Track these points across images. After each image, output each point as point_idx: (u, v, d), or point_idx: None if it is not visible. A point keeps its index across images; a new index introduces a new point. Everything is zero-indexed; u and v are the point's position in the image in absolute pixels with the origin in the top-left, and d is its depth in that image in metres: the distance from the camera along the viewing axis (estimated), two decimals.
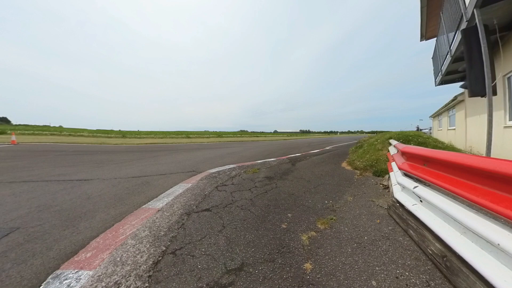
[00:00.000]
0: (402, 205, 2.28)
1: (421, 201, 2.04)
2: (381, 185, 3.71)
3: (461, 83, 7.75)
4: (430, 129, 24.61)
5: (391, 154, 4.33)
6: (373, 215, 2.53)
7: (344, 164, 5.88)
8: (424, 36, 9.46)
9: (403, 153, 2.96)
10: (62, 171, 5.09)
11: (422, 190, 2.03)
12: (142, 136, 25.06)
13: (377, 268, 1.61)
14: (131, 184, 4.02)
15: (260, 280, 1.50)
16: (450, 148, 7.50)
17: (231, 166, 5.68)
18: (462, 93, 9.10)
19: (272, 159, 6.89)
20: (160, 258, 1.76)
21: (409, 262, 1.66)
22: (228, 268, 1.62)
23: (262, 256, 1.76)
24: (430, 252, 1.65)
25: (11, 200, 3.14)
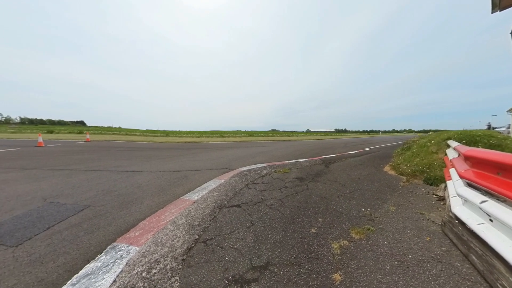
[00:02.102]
0: (462, 223, 1.89)
1: (491, 220, 1.65)
2: (434, 196, 3.16)
3: None
4: (509, 127, 19.40)
5: (450, 158, 3.62)
6: (422, 231, 2.17)
7: (386, 168, 5.23)
8: (498, 5, 7.19)
9: (467, 158, 2.44)
10: (120, 163, 6.10)
11: (494, 206, 1.63)
12: (182, 135, 27.60)
13: None
14: (172, 177, 4.50)
15: (284, 282, 1.47)
16: None
17: (262, 165, 5.73)
18: None
19: (304, 160, 6.65)
20: (193, 245, 1.92)
21: None
22: (254, 265, 1.64)
23: (288, 258, 1.72)
24: None
25: (85, 184, 3.94)
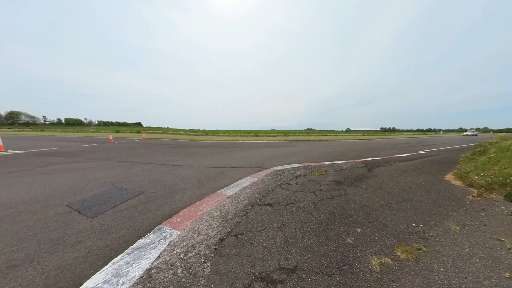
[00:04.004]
0: None
1: None
2: None
3: None
4: None
5: None
6: (498, 263, 1.71)
7: (449, 177, 4.33)
8: None
9: None
10: (167, 158, 6.98)
11: None
12: (219, 134, 29.41)
13: None
14: (210, 172, 4.86)
15: None
16: None
17: (296, 165, 5.59)
18: None
19: (343, 162, 6.14)
20: (225, 237, 2.03)
21: None
22: (281, 266, 1.63)
23: (318, 266, 1.63)
24: None
25: (141, 174, 4.66)
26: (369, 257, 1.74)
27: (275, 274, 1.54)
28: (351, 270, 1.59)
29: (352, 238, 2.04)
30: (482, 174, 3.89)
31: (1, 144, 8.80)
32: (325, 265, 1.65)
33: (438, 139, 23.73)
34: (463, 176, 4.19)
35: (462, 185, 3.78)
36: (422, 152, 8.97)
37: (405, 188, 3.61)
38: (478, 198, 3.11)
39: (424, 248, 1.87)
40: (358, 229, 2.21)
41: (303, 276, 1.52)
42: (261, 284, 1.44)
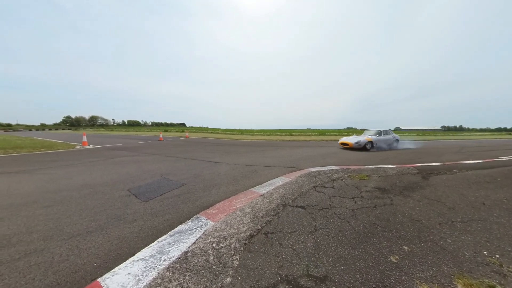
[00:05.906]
0: None
1: None
2: None
3: None
4: None
5: None
6: None
7: None
8: None
9: None
10: (207, 155, 7.60)
11: None
12: (254, 133, 30.06)
13: None
14: (245, 170, 5.03)
15: None
16: None
17: (333, 167, 5.22)
18: None
19: (390, 166, 5.39)
20: (255, 234, 2.07)
21: None
22: (310, 273, 1.55)
23: (352, 281, 1.48)
24: None
25: (184, 168, 5.21)
26: (417, 283, 1.48)
27: (302, 279, 1.48)
28: None
29: (397, 257, 1.77)
30: None
31: (86, 140, 11.33)
32: (360, 281, 1.49)
33: None
34: None
35: None
36: (503, 158, 7.06)
37: (476, 205, 2.92)
38: None
39: (499, 287, 1.47)
40: (405, 247, 1.91)
41: None
42: (286, 286, 1.41)
